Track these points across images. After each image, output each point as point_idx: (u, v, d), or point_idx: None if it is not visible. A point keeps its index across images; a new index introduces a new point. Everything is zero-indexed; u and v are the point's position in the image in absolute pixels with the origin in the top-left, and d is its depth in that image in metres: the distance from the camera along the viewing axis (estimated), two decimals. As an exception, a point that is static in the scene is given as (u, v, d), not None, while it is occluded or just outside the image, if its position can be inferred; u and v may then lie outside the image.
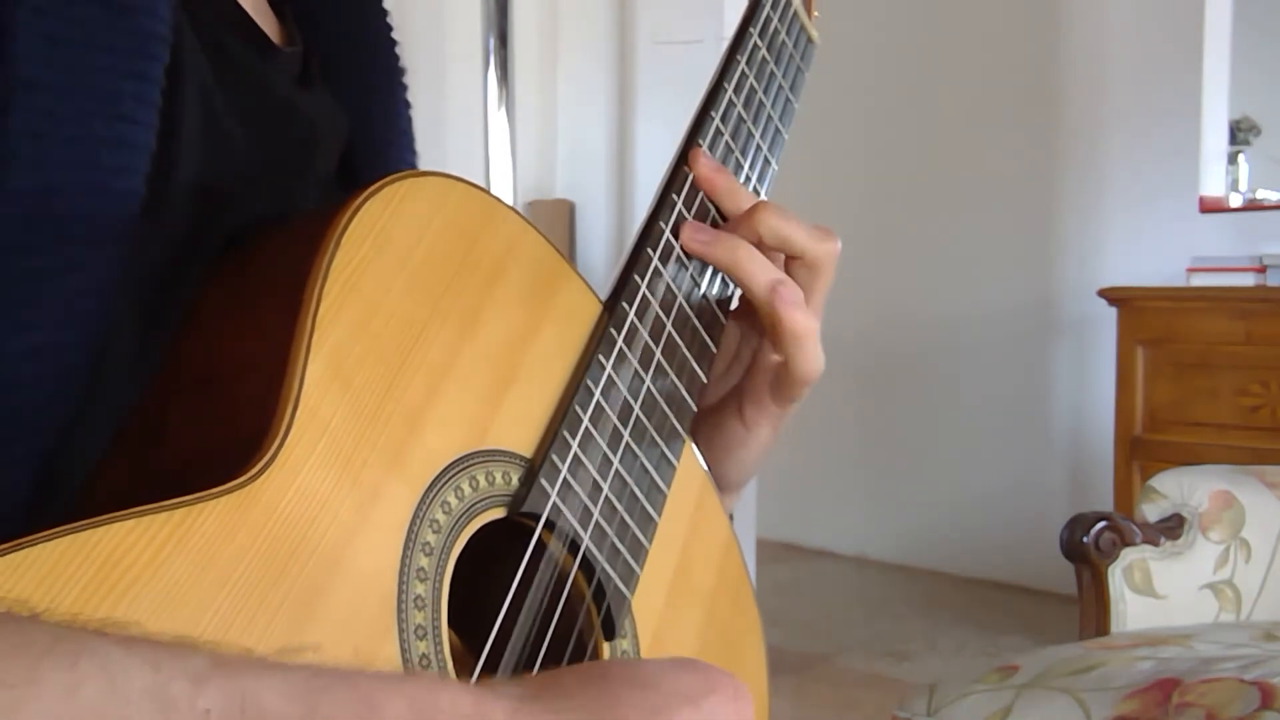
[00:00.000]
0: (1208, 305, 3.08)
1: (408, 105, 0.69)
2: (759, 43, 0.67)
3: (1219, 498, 1.79)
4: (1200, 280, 3.24)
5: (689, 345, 0.61)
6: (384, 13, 0.69)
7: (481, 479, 0.50)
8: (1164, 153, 3.52)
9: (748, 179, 0.66)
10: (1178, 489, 1.80)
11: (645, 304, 0.59)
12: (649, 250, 0.60)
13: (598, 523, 0.54)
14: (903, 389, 4.23)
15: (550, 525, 0.53)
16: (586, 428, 0.55)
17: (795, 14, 0.70)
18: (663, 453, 0.58)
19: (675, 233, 0.61)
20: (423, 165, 0.64)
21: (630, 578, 0.56)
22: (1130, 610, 1.72)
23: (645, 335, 0.59)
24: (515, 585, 0.51)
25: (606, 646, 0.55)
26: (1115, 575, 1.72)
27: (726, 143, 0.65)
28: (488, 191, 0.55)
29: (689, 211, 0.62)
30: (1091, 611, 1.73)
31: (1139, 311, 3.14)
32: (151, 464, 0.48)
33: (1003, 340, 3.95)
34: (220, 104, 0.53)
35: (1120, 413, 3.16)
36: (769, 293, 0.60)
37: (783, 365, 0.63)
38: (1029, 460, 3.88)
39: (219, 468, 0.43)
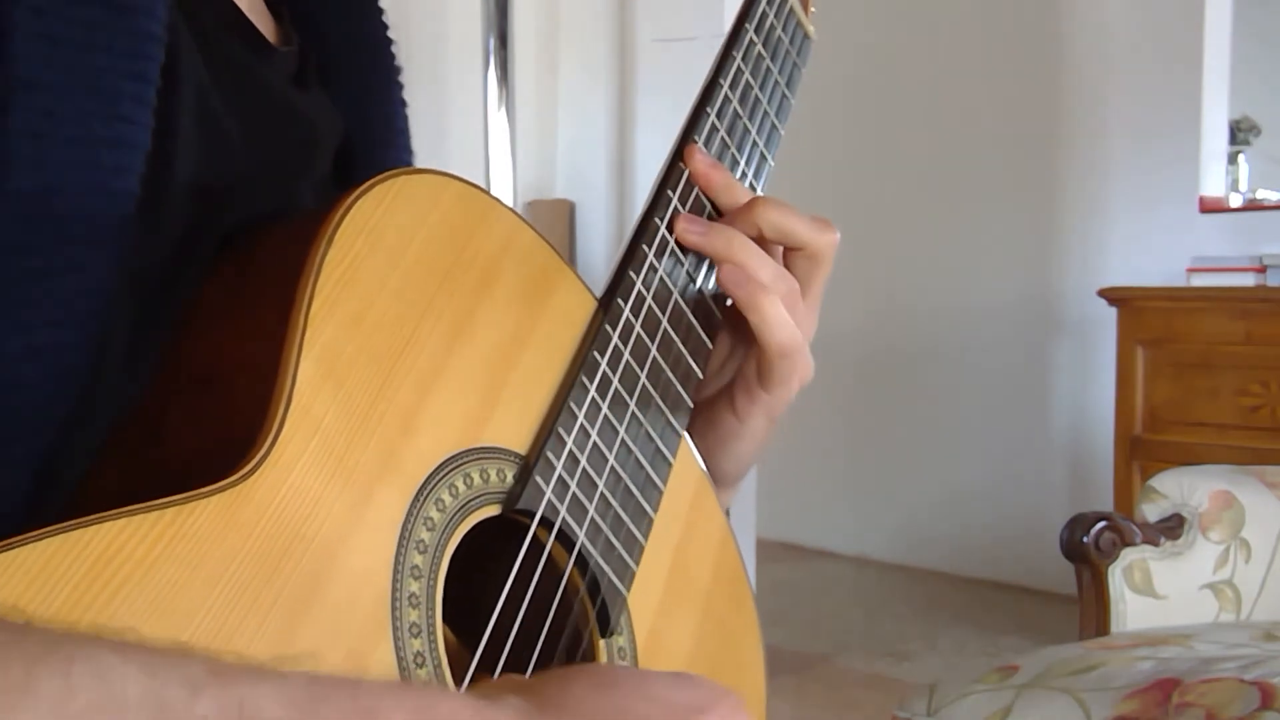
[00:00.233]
0: (1208, 305, 3.07)
1: (404, 105, 0.69)
2: (755, 39, 0.67)
3: (1219, 498, 1.78)
4: (1200, 280, 3.23)
5: (684, 341, 0.61)
6: (380, 12, 0.69)
7: (476, 476, 0.50)
8: (1164, 153, 3.52)
9: (744, 175, 0.66)
10: (1178, 489, 1.79)
11: (640, 300, 0.59)
12: (644, 247, 0.60)
13: (593, 519, 0.54)
14: (903, 389, 4.22)
15: (545, 522, 0.53)
16: (581, 424, 0.55)
17: (791, 10, 0.70)
18: (658, 449, 0.58)
19: (671, 229, 0.61)
20: (421, 165, 0.63)
21: (626, 574, 0.55)
22: (1130, 610, 1.72)
23: (640, 332, 0.59)
24: (510, 582, 0.51)
25: (602, 643, 0.55)
26: (1115, 575, 1.72)
27: (722, 139, 0.65)
28: (482, 189, 0.55)
29: (684, 208, 0.62)
30: (1091, 611, 1.73)
31: (1139, 311, 3.14)
32: (148, 463, 0.48)
33: (1003, 340, 3.95)
34: (217, 103, 0.53)
35: (1120, 412, 3.16)
36: (752, 289, 0.60)
37: (759, 347, 0.62)
38: (1029, 460, 3.88)
39: (212, 467, 0.43)
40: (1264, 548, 1.79)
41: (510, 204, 0.57)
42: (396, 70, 0.69)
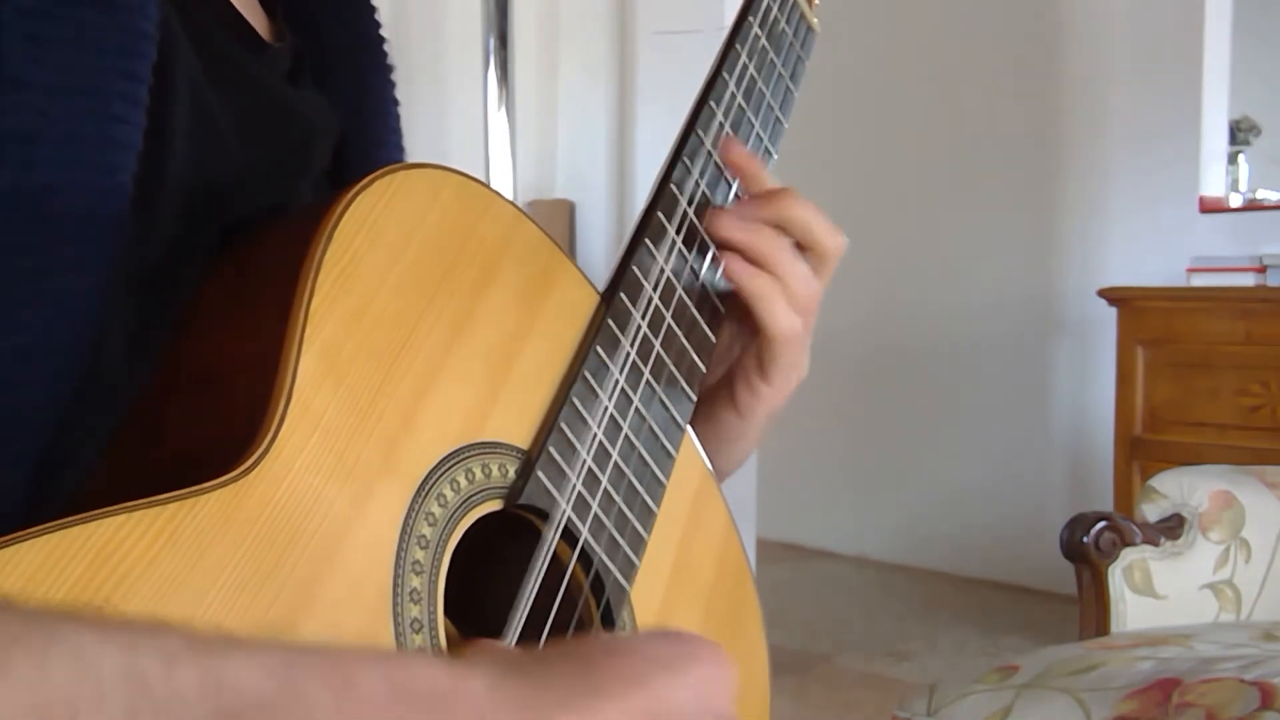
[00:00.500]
0: (1208, 305, 3.07)
1: (397, 103, 0.69)
2: (758, 32, 0.67)
3: (1219, 498, 1.78)
4: (1200, 280, 3.23)
5: (688, 335, 0.61)
6: (373, 10, 0.69)
7: (478, 472, 0.50)
8: (1164, 153, 3.52)
9: None
10: (1178, 489, 1.79)
11: (643, 295, 0.59)
12: (647, 241, 0.59)
13: (596, 515, 0.54)
14: (903, 389, 4.22)
15: (548, 518, 0.53)
16: (584, 419, 0.55)
17: (795, 2, 0.70)
18: (662, 444, 0.58)
19: (674, 224, 0.61)
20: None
21: (629, 570, 0.55)
22: (1130, 610, 1.71)
23: (644, 326, 0.58)
24: (512, 578, 0.51)
25: (604, 640, 0.55)
26: (1115, 575, 1.72)
27: (726, 133, 0.65)
28: (483, 183, 0.54)
29: (689, 204, 0.62)
30: (1091, 611, 1.72)
31: (1139, 311, 3.14)
32: (148, 462, 0.48)
33: (1003, 340, 3.94)
34: (212, 101, 0.53)
35: (1120, 413, 3.16)
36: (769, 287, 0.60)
37: (761, 337, 0.63)
38: (1029, 460, 3.88)
39: (213, 463, 0.42)
40: (1264, 548, 1.79)
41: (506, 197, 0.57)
42: (390, 68, 0.69)
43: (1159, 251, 3.49)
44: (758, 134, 0.67)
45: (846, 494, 4.37)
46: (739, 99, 0.66)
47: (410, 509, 0.47)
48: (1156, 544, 1.74)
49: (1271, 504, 1.81)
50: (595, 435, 0.55)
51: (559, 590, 0.53)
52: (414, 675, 0.37)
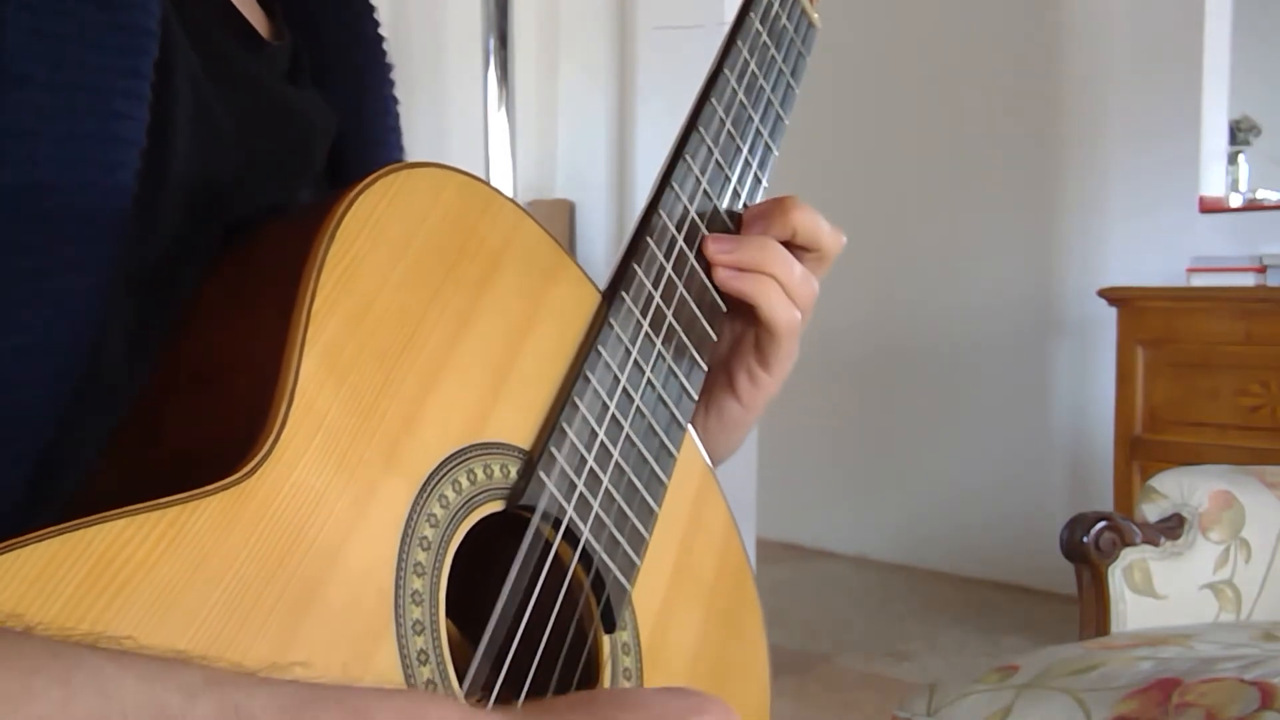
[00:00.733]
0: (1208, 305, 3.07)
1: (396, 102, 0.69)
2: (760, 28, 0.67)
3: (1219, 498, 1.78)
4: (1200, 280, 3.23)
5: (688, 333, 0.61)
6: (372, 9, 0.69)
7: (479, 472, 0.50)
8: (1164, 153, 3.52)
9: (748, 165, 0.66)
10: (1178, 489, 1.79)
11: (644, 294, 0.59)
12: (648, 239, 0.59)
13: (597, 515, 0.54)
14: (903, 389, 4.22)
15: (549, 518, 0.52)
16: (585, 419, 0.54)
17: None
18: (663, 443, 0.58)
19: (675, 222, 0.61)
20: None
21: (630, 570, 0.55)
22: (1130, 610, 1.71)
23: (645, 325, 0.58)
24: (514, 578, 0.51)
25: (606, 640, 0.55)
26: (1115, 575, 1.72)
27: (728, 130, 0.64)
28: (484, 182, 0.54)
29: (690, 202, 0.62)
30: (1091, 611, 1.72)
31: (1139, 311, 3.14)
32: (148, 462, 0.48)
33: (1003, 340, 3.94)
34: (212, 99, 0.52)
35: (1120, 413, 3.16)
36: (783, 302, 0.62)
37: (762, 329, 0.64)
38: (1029, 460, 3.88)
39: (215, 464, 0.42)
40: (1264, 548, 1.79)
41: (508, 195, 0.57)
42: (389, 67, 0.69)
43: (1159, 251, 3.49)
44: (758, 130, 0.66)
45: (846, 494, 4.37)
46: (740, 96, 0.65)
47: (412, 510, 0.47)
48: (1156, 544, 1.74)
49: (1271, 504, 1.81)
50: (597, 435, 0.55)
51: (560, 590, 0.53)
52: (426, 714, 0.38)
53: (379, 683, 0.44)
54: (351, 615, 0.44)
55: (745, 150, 0.66)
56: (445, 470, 0.49)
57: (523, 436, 0.53)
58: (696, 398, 0.61)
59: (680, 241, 0.61)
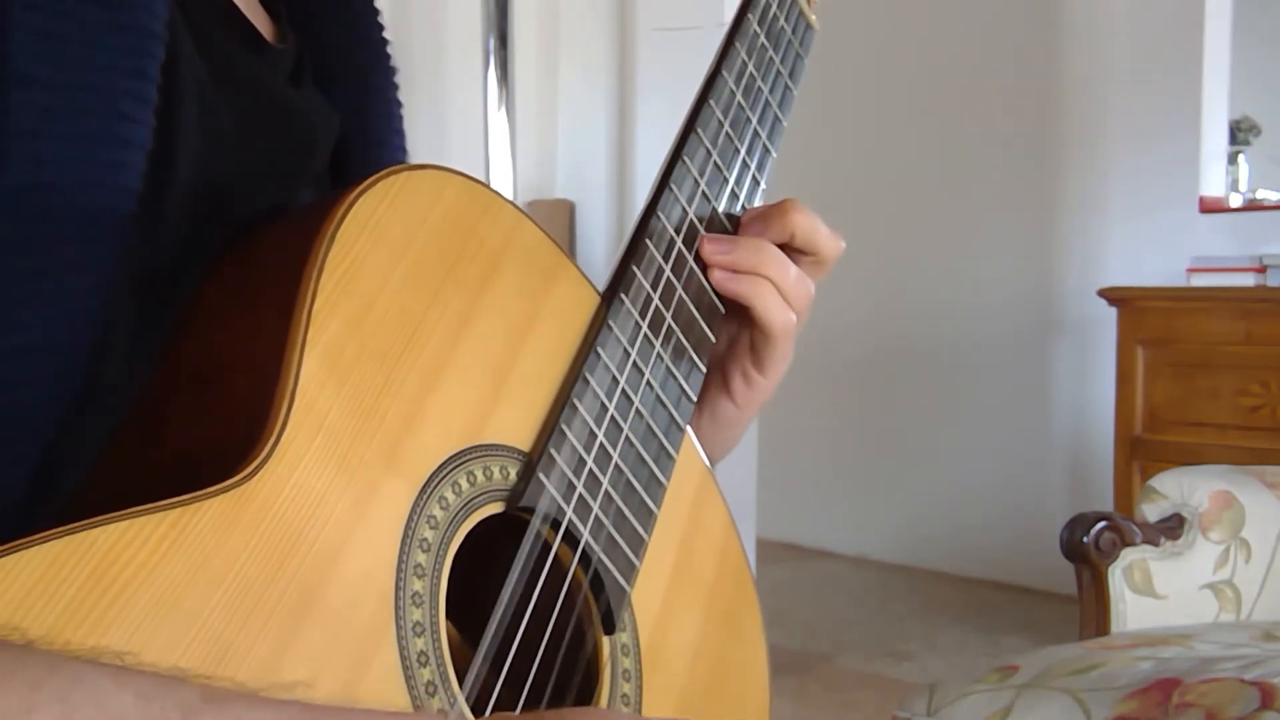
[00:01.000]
0: (1208, 305, 3.07)
1: (400, 105, 0.69)
2: (758, 30, 0.67)
3: (1219, 498, 1.78)
4: (1200, 280, 3.23)
5: (687, 335, 0.61)
6: (376, 12, 0.69)
7: (479, 474, 0.50)
8: (1164, 153, 3.52)
9: (746, 166, 0.66)
10: (1178, 489, 1.79)
11: (643, 295, 0.59)
12: (647, 241, 0.59)
13: (596, 516, 0.54)
14: (903, 389, 4.22)
15: (549, 519, 0.53)
16: (585, 421, 0.55)
17: (794, 0, 0.70)
18: (661, 445, 0.58)
19: (674, 224, 0.61)
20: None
21: (629, 571, 0.55)
22: (1130, 610, 1.71)
23: (644, 327, 0.58)
24: (514, 580, 0.51)
25: (606, 641, 0.55)
26: (1115, 575, 1.72)
27: (726, 131, 0.64)
28: (484, 184, 0.54)
29: (688, 204, 0.62)
30: (1091, 611, 1.72)
31: (1139, 311, 3.14)
32: (149, 463, 0.48)
33: (1003, 340, 3.95)
34: (217, 101, 0.53)
35: (1120, 413, 3.16)
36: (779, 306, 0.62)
37: (757, 331, 0.64)
38: (1029, 460, 3.88)
39: (216, 466, 0.42)
40: (1264, 548, 1.79)
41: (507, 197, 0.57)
42: (393, 70, 0.69)
43: (1159, 251, 3.49)
44: (756, 131, 0.67)
45: (846, 494, 4.37)
46: (738, 97, 0.65)
47: (412, 512, 0.47)
48: (1156, 544, 1.74)
49: (1271, 504, 1.81)
50: (596, 436, 0.55)
51: (559, 592, 0.53)
52: None
53: (379, 684, 0.44)
54: (352, 617, 0.44)
55: (743, 152, 0.66)
56: (445, 472, 0.49)
57: (522, 438, 0.53)
58: (695, 399, 0.61)
59: (679, 243, 0.61)
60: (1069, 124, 3.78)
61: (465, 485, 0.50)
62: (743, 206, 0.65)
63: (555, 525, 0.53)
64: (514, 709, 0.51)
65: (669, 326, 0.60)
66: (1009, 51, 3.91)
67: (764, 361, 0.65)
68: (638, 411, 0.57)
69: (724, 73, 0.65)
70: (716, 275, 0.61)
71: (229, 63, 0.55)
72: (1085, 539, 1.71)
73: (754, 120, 0.66)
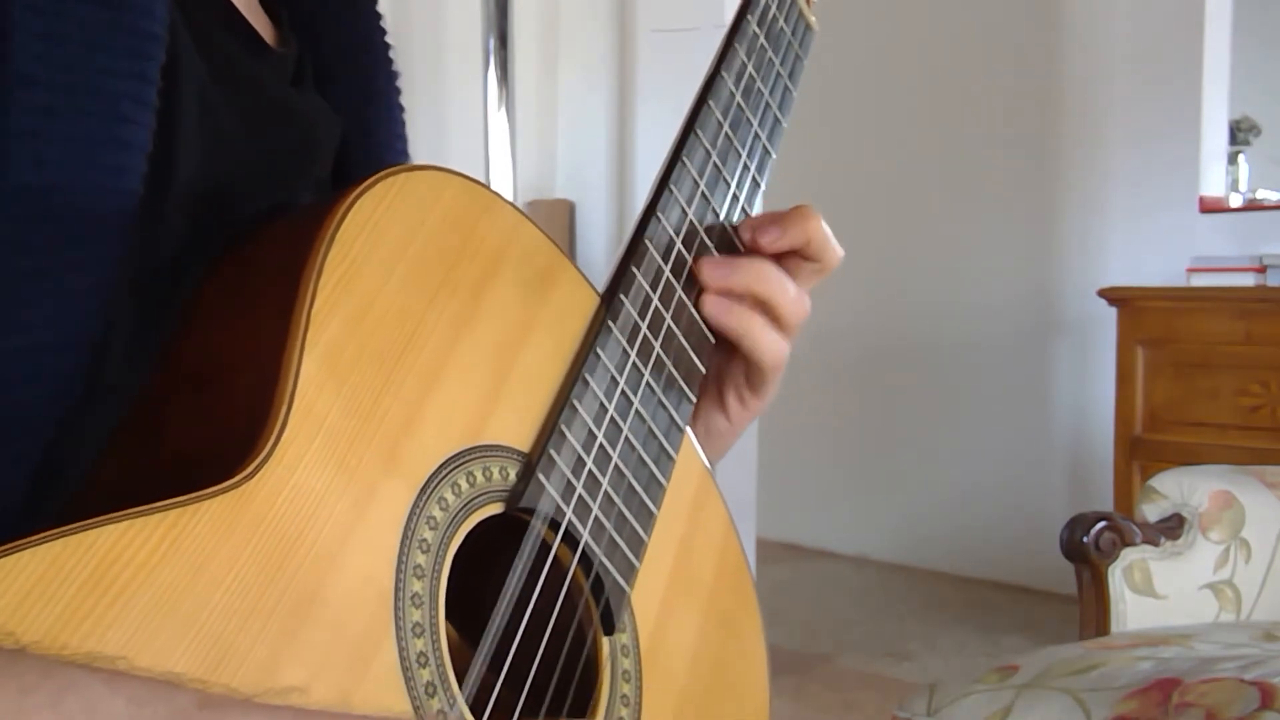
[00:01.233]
0: (1208, 305, 3.07)
1: (402, 109, 0.69)
2: (757, 31, 0.67)
3: (1219, 498, 1.78)
4: (1200, 280, 3.24)
5: (687, 336, 0.61)
6: (378, 16, 0.69)
7: (479, 474, 0.50)
8: (1164, 153, 3.52)
9: (746, 168, 0.66)
10: (1178, 489, 1.79)
11: (643, 296, 0.59)
12: (646, 242, 0.59)
13: (596, 517, 0.54)
14: (903, 389, 4.22)
15: (549, 520, 0.53)
16: (584, 421, 0.55)
17: (794, 1, 0.70)
18: (661, 446, 0.58)
19: (673, 225, 0.61)
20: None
21: (629, 572, 0.55)
22: (1130, 610, 1.71)
23: (643, 328, 0.58)
24: (513, 581, 0.51)
25: (606, 642, 0.55)
26: (1115, 575, 1.72)
27: (725, 132, 0.64)
28: (484, 184, 0.54)
29: (688, 205, 0.62)
30: (1091, 611, 1.72)
31: (1139, 311, 3.14)
32: (149, 463, 0.48)
33: (1003, 340, 3.95)
34: (218, 104, 0.53)
35: (1120, 413, 3.16)
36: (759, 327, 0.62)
37: (750, 365, 0.64)
38: (1029, 460, 3.88)
39: (215, 467, 0.42)
40: (1264, 548, 1.79)
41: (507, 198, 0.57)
42: (395, 74, 0.69)
43: (1159, 251, 3.49)
44: (756, 133, 0.66)
45: (846, 494, 4.37)
46: (738, 98, 0.65)
47: (412, 513, 0.47)
48: (1156, 544, 1.74)
49: (1271, 504, 1.81)
50: (595, 437, 0.55)
51: (559, 592, 0.53)
52: None
53: (379, 685, 0.44)
54: (351, 618, 0.44)
55: (743, 153, 0.65)
56: (445, 472, 0.49)
57: (522, 439, 0.53)
58: (695, 400, 0.61)
59: (678, 244, 0.61)
60: (1069, 124, 3.78)
61: (465, 486, 0.50)
62: (742, 208, 0.65)
63: (555, 526, 0.53)
64: (513, 710, 0.51)
65: (669, 328, 0.60)
66: (1009, 52, 3.91)
67: (756, 387, 0.65)
68: (637, 412, 0.57)
69: (723, 73, 0.65)
70: (708, 308, 0.61)
71: (229, 64, 0.55)
72: (1085, 539, 1.71)
73: (753, 121, 0.66)
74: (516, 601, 0.51)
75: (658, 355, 0.59)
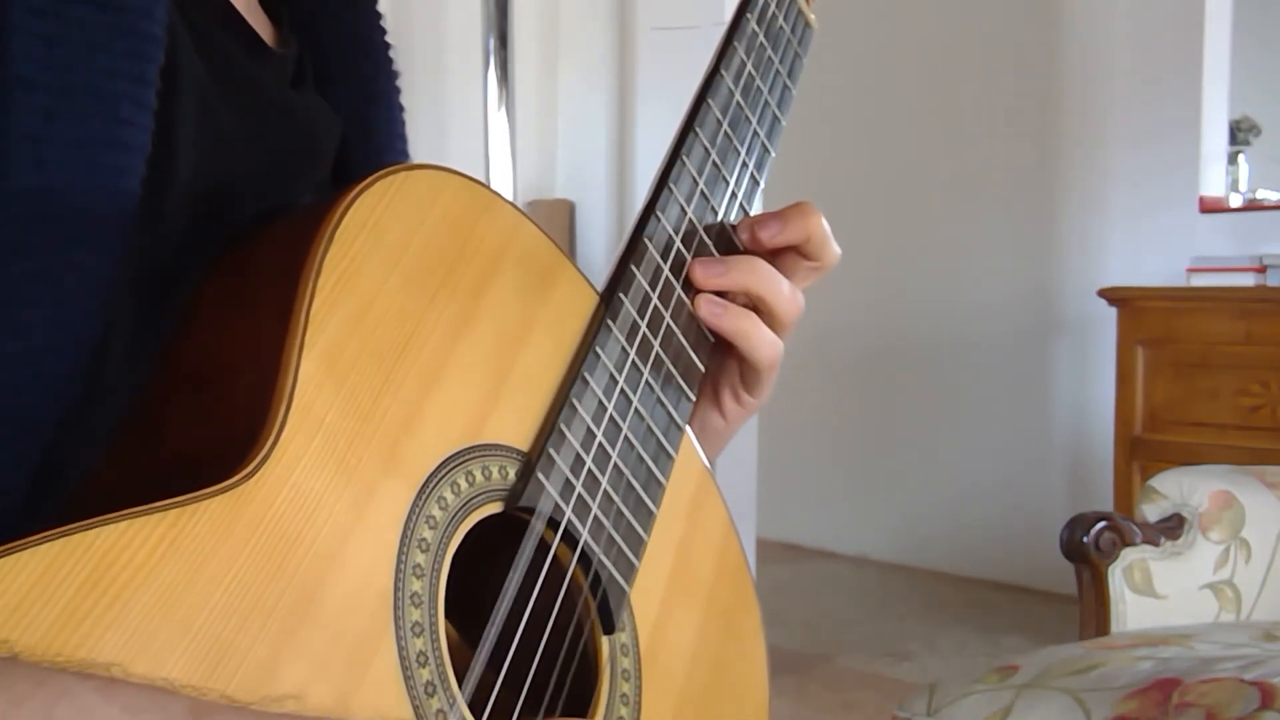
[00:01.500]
0: (1208, 305, 3.07)
1: (402, 109, 0.69)
2: (756, 29, 0.67)
3: (1219, 498, 1.78)
4: (1200, 280, 3.23)
5: (686, 335, 0.61)
6: (378, 16, 0.69)
7: (478, 474, 0.50)
8: (1164, 153, 3.52)
9: (745, 166, 0.66)
10: (1178, 489, 1.79)
11: (643, 295, 0.59)
12: (645, 241, 0.59)
13: (595, 516, 0.54)
14: (903, 389, 4.22)
15: (548, 519, 0.53)
16: (584, 421, 0.55)
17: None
18: (661, 444, 0.58)
19: (672, 224, 0.61)
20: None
21: (629, 571, 0.55)
22: (1130, 610, 1.71)
23: (642, 327, 0.58)
24: (513, 580, 0.51)
25: (605, 641, 0.55)
26: (1115, 575, 1.72)
27: (724, 131, 0.64)
28: (483, 184, 0.54)
29: (687, 204, 0.62)
30: (1091, 611, 1.72)
31: (1139, 311, 3.14)
32: (149, 464, 0.48)
33: (1003, 340, 3.95)
34: (217, 105, 0.53)
35: (1120, 413, 3.16)
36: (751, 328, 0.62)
37: (745, 364, 0.64)
38: (1029, 460, 3.88)
39: (215, 467, 0.42)
40: (1264, 548, 1.79)
41: (506, 197, 0.57)
42: (395, 75, 0.69)
43: (1159, 251, 3.49)
44: (755, 131, 0.66)
45: (846, 494, 4.37)
46: (737, 97, 0.65)
47: (411, 512, 0.47)
48: (1156, 544, 1.74)
49: (1271, 504, 1.81)
50: (595, 436, 0.55)
51: (559, 592, 0.53)
52: None
53: (378, 684, 0.44)
54: (350, 618, 0.44)
55: (742, 152, 0.65)
56: (444, 472, 0.49)
57: (521, 438, 0.53)
58: (694, 399, 0.61)
59: (677, 243, 0.61)
60: (1069, 124, 3.78)
61: (464, 485, 0.50)
62: (741, 206, 0.65)
63: (554, 525, 0.53)
64: (513, 709, 0.51)
65: (668, 327, 0.60)
66: (1009, 52, 3.91)
67: (752, 387, 0.66)
68: (636, 411, 0.57)
69: (723, 72, 0.65)
70: (703, 310, 0.61)
71: (229, 65, 0.55)
72: (1085, 539, 1.71)
73: (753, 120, 0.66)
74: (516, 600, 0.51)
75: (657, 354, 0.59)
